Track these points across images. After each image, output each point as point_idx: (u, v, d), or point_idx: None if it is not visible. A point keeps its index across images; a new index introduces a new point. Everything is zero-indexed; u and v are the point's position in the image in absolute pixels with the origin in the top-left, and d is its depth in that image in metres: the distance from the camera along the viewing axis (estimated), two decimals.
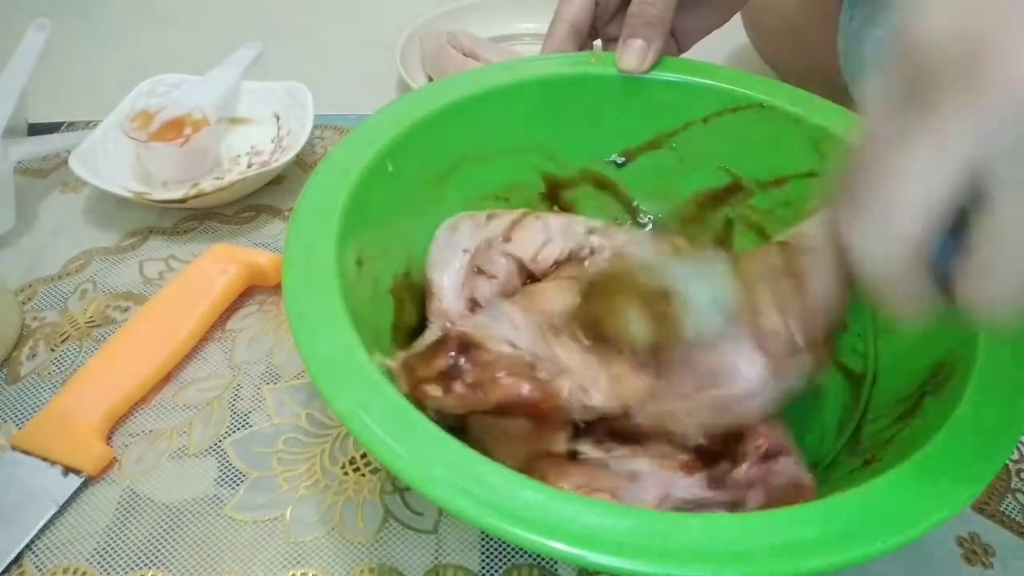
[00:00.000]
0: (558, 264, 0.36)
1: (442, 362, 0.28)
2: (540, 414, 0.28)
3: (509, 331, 0.30)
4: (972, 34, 0.17)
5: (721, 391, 0.28)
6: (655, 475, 0.28)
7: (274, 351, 0.41)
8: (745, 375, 0.28)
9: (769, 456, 0.28)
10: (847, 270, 0.22)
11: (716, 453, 0.29)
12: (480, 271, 0.35)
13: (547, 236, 0.37)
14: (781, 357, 0.28)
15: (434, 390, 0.27)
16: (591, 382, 0.29)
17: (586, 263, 0.36)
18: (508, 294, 0.35)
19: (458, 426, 0.28)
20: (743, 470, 0.28)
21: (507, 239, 0.36)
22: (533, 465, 0.28)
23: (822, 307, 0.28)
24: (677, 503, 0.27)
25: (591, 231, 0.37)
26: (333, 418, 0.37)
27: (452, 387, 0.27)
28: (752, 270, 0.32)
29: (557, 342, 0.31)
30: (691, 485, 0.28)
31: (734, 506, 0.27)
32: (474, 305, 0.35)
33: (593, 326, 0.31)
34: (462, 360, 0.28)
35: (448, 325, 0.33)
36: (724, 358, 0.29)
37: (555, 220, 0.38)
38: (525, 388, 0.27)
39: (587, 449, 0.29)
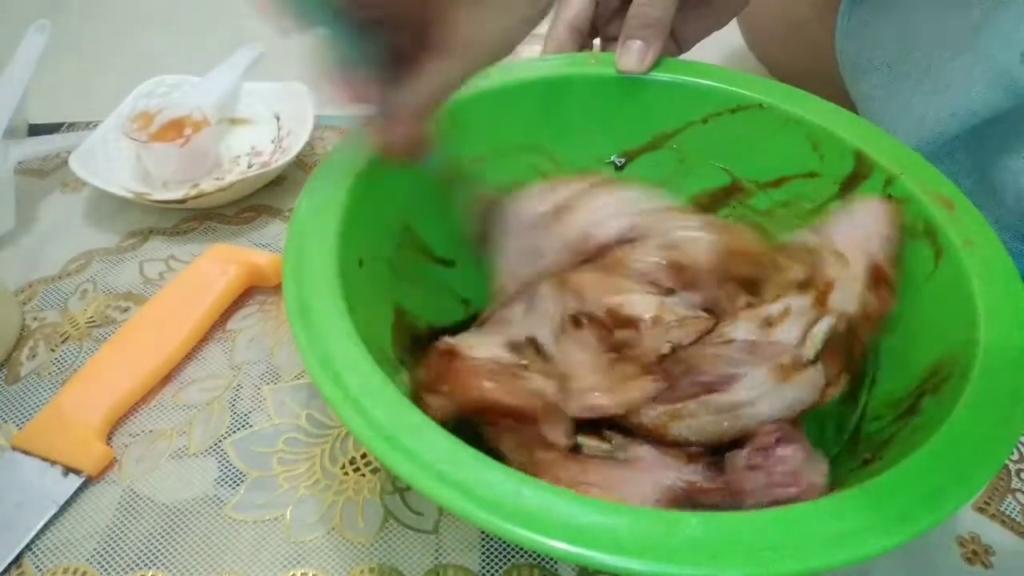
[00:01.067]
0: (602, 248, 0.34)
1: (430, 372, 0.30)
2: (520, 416, 0.28)
3: (533, 324, 0.31)
4: None
5: (721, 396, 0.28)
6: (653, 462, 0.28)
7: (274, 351, 0.41)
8: (745, 382, 0.28)
9: (774, 444, 0.28)
10: None
11: (721, 449, 0.29)
12: (532, 250, 0.34)
13: (605, 214, 0.35)
14: (787, 368, 0.28)
15: (427, 397, 0.29)
16: (596, 384, 0.29)
17: (620, 252, 0.33)
18: (555, 271, 0.34)
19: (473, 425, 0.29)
20: (743, 454, 0.28)
21: (567, 210, 0.35)
22: (535, 460, 0.28)
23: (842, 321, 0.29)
24: (674, 491, 0.27)
25: (642, 212, 0.35)
26: (333, 418, 0.37)
27: (436, 394, 0.29)
28: (770, 279, 0.32)
29: (574, 336, 0.31)
30: (690, 473, 0.28)
31: (732, 496, 0.27)
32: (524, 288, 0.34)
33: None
34: (441, 370, 0.30)
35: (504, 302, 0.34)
36: (727, 365, 0.29)
37: (625, 193, 0.35)
38: (496, 394, 0.28)
39: (588, 442, 0.29)
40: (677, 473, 0.28)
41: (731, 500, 0.27)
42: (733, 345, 0.30)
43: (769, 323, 0.30)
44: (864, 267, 0.31)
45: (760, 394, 0.28)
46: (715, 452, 0.29)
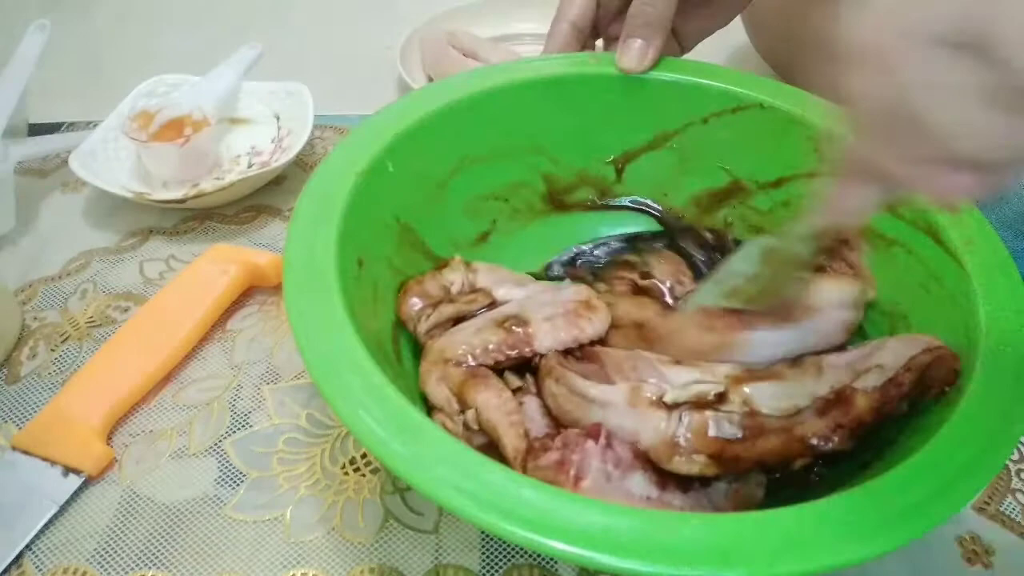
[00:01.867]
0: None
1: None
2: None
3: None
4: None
5: (580, 382, 0.30)
6: (528, 412, 0.31)
7: (274, 351, 0.41)
8: (606, 388, 0.29)
9: (587, 434, 0.28)
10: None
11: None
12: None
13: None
14: (642, 397, 0.29)
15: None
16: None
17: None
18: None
19: None
20: (571, 431, 0.29)
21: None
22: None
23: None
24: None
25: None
26: (333, 418, 0.37)
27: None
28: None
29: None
30: (534, 429, 0.30)
31: (533, 456, 0.28)
32: None
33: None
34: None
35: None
36: (618, 365, 0.31)
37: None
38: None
39: (511, 376, 0.32)
40: (513, 413, 0.29)
41: (522, 461, 0.28)
42: (634, 359, 0.31)
43: (679, 361, 0.31)
44: (831, 386, 0.28)
45: (610, 401, 0.29)
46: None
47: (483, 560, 0.32)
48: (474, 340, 0.32)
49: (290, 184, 0.52)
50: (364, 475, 0.35)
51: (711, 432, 0.27)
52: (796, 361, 0.30)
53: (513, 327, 0.32)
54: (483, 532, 0.33)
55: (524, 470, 0.27)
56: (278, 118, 0.55)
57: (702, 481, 0.28)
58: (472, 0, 0.69)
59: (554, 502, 0.21)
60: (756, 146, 0.38)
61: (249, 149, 0.54)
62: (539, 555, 0.32)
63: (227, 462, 0.36)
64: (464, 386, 0.30)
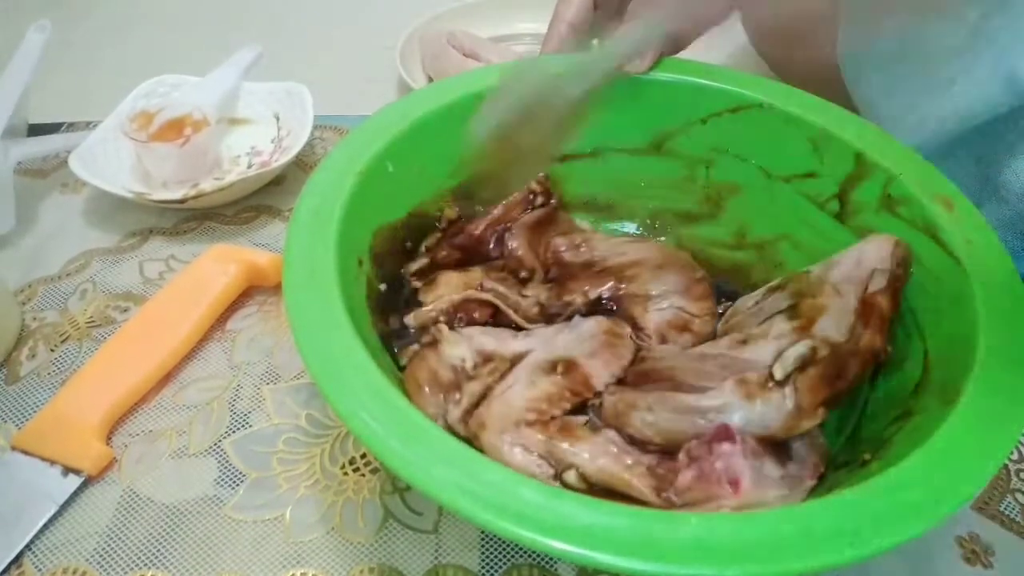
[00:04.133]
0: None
1: None
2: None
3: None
4: None
5: (683, 396, 0.29)
6: (608, 442, 0.29)
7: (274, 351, 0.41)
8: (711, 393, 0.28)
9: (714, 439, 0.27)
10: None
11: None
12: None
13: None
14: (752, 384, 0.28)
15: None
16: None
17: None
18: None
19: None
20: (689, 444, 0.28)
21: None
22: None
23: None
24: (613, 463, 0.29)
25: None
26: (333, 418, 0.37)
27: None
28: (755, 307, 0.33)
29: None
30: (634, 457, 0.29)
31: (663, 485, 0.28)
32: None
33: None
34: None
35: None
36: (696, 376, 0.29)
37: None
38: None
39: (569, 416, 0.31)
40: (622, 453, 0.28)
41: (665, 496, 0.27)
42: (708, 359, 0.30)
43: (744, 341, 0.30)
44: (857, 298, 0.30)
45: (726, 403, 0.28)
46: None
47: (482, 560, 0.32)
48: (534, 395, 0.30)
49: (290, 184, 0.52)
50: (364, 475, 0.35)
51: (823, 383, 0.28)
52: (812, 287, 0.32)
53: (565, 372, 0.30)
54: (483, 532, 0.33)
55: (671, 505, 0.27)
56: (278, 118, 0.55)
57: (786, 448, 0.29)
58: (472, 0, 0.69)
59: (554, 501, 0.21)
60: (755, 146, 0.38)
61: (249, 149, 0.54)
62: (539, 555, 0.32)
63: (227, 462, 0.36)
64: (550, 445, 0.28)
